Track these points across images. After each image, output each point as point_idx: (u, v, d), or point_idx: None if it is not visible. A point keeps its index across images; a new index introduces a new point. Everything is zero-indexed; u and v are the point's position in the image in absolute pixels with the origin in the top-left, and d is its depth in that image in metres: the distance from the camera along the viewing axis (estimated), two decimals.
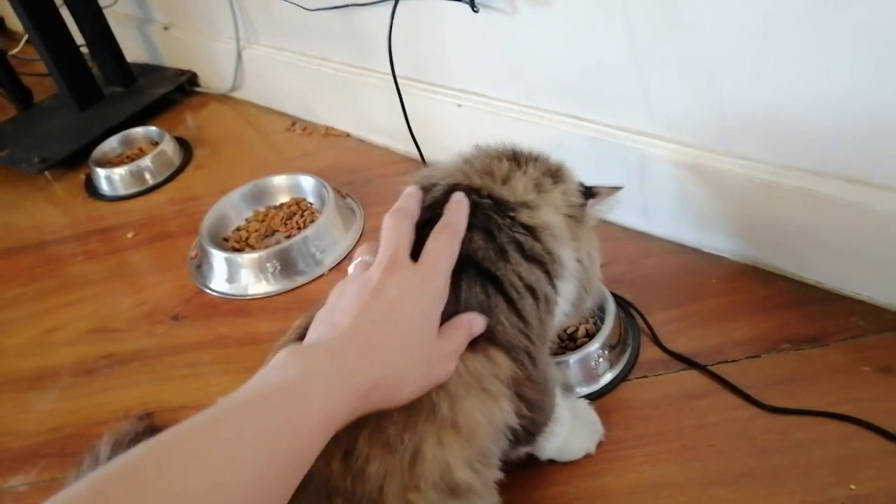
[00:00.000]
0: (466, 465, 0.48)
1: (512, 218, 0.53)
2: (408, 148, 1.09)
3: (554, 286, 0.55)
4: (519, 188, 0.56)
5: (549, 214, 0.56)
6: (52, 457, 0.76)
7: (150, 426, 0.74)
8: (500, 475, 0.52)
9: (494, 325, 0.50)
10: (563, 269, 0.56)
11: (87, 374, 0.86)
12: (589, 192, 0.61)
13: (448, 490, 0.47)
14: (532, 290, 0.52)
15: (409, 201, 0.53)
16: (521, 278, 0.51)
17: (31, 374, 0.88)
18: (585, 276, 0.60)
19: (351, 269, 0.53)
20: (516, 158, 0.59)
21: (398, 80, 0.96)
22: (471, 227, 0.51)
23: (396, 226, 0.51)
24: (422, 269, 0.48)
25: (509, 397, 0.50)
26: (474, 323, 0.49)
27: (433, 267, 0.48)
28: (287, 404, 0.39)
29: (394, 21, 0.86)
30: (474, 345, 0.49)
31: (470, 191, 0.54)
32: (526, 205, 0.55)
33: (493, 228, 0.52)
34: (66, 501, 0.33)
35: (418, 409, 0.46)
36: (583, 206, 0.59)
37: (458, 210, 0.52)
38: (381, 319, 0.45)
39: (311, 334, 0.48)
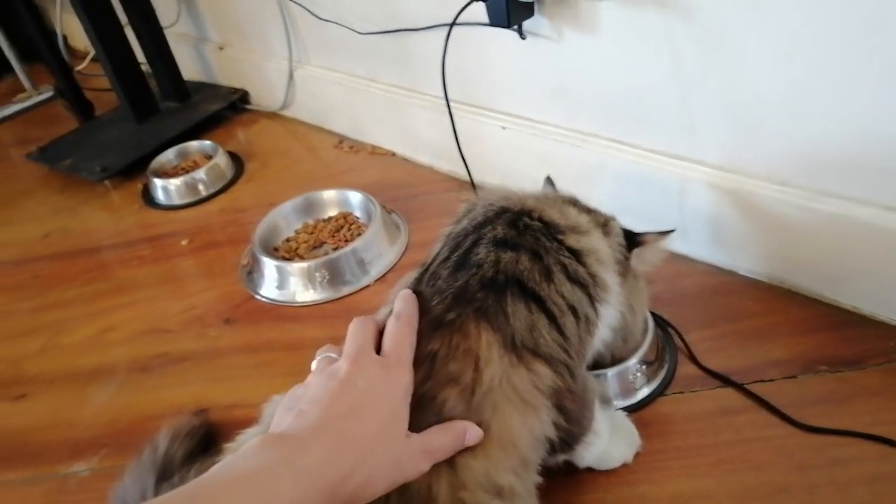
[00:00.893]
0: (510, 470, 0.50)
1: (560, 241, 0.56)
2: (451, 167, 1.13)
3: (595, 309, 0.57)
4: (571, 213, 0.60)
5: (597, 241, 0.59)
6: (111, 446, 0.80)
7: (204, 422, 0.77)
8: (539, 480, 0.55)
9: (537, 339, 0.52)
10: (606, 294, 0.58)
11: (142, 372, 0.91)
12: (634, 242, 0.64)
13: (494, 492, 0.49)
14: (574, 310, 0.55)
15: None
16: (563, 298, 0.54)
17: (89, 370, 0.92)
18: (625, 327, 0.64)
19: (314, 364, 0.53)
20: (575, 203, 0.63)
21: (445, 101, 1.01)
22: (519, 248, 0.55)
23: (362, 326, 0.53)
24: (388, 361, 0.49)
25: (549, 408, 0.53)
26: (469, 433, 0.48)
27: (398, 359, 0.49)
28: (258, 490, 0.40)
29: (447, 46, 0.90)
30: (518, 357, 0.51)
31: (522, 213, 0.58)
32: (574, 229, 0.58)
33: (540, 250, 0.55)
34: None
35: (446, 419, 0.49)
36: (626, 260, 0.63)
37: (406, 301, 0.53)
38: (351, 414, 0.46)
39: (279, 422, 0.48)
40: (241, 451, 0.44)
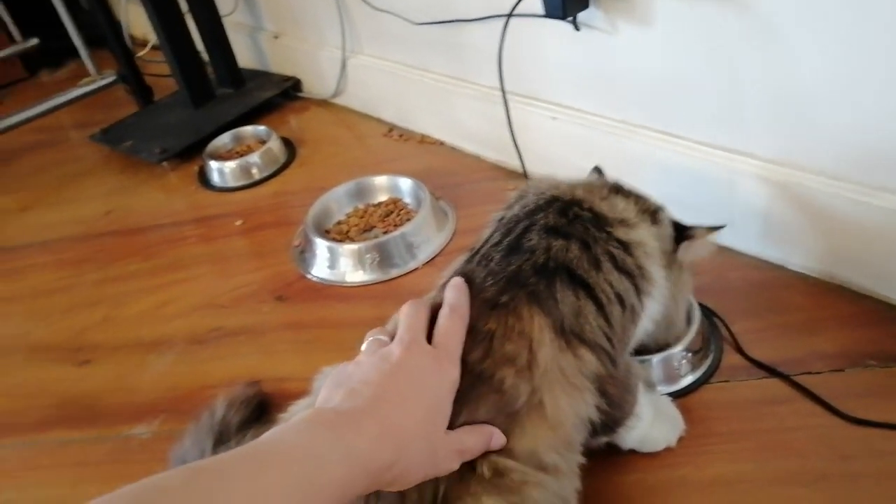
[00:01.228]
0: (553, 450, 0.52)
1: (608, 233, 0.58)
2: (499, 156, 1.15)
3: (640, 300, 0.59)
4: (619, 206, 0.61)
5: (645, 234, 0.60)
6: (169, 411, 0.85)
7: (258, 392, 0.81)
8: (582, 460, 0.56)
9: (583, 325, 0.54)
10: (652, 287, 0.60)
11: (198, 344, 0.95)
12: (682, 235, 0.64)
13: (538, 467, 0.51)
14: (620, 299, 0.56)
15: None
16: (611, 286, 0.56)
17: (149, 340, 0.97)
18: (668, 316, 0.64)
19: (364, 346, 0.54)
20: (619, 190, 0.63)
21: (496, 90, 1.02)
22: (569, 236, 0.56)
23: (415, 313, 0.53)
24: (439, 353, 0.50)
25: (592, 392, 0.55)
26: (495, 437, 0.50)
27: (448, 353, 0.50)
28: (308, 466, 0.41)
29: (504, 37, 0.91)
30: (567, 342, 0.53)
31: (572, 203, 0.59)
32: (623, 222, 0.59)
33: (589, 240, 0.56)
34: None
35: (506, 398, 0.51)
36: (674, 252, 0.63)
37: (459, 291, 0.54)
38: (400, 402, 0.47)
39: (328, 397, 0.48)
40: (293, 424, 0.44)
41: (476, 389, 0.51)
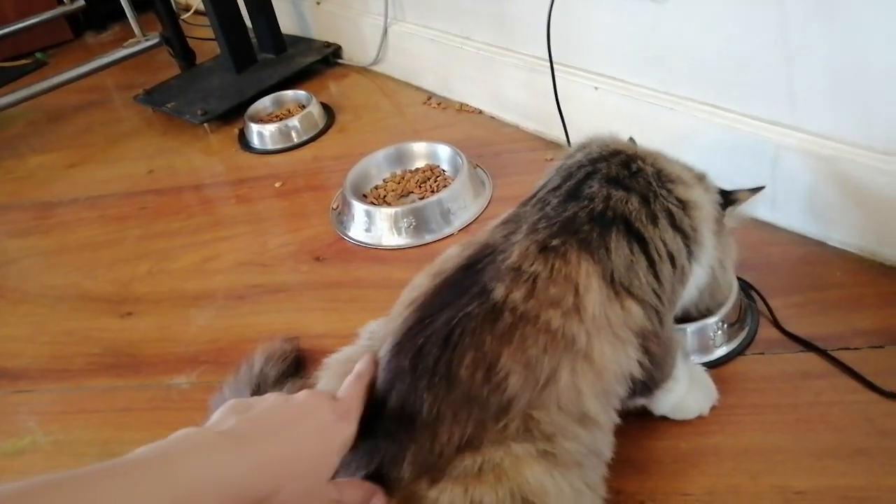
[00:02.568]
0: (596, 397, 0.53)
1: (669, 189, 0.58)
2: (538, 126, 1.15)
3: (690, 263, 0.59)
4: (677, 167, 0.61)
5: (701, 196, 0.61)
6: (209, 363, 0.87)
7: (295, 348, 0.83)
8: (618, 420, 0.57)
9: (632, 279, 0.54)
10: (701, 252, 0.60)
11: (239, 299, 0.97)
12: (728, 200, 0.65)
13: (577, 417, 0.52)
14: (672, 259, 0.57)
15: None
16: (665, 244, 0.56)
17: (192, 294, 1.00)
18: (714, 281, 0.64)
19: None
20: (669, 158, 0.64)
21: (539, 60, 1.02)
22: (630, 189, 0.57)
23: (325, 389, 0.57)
24: (340, 407, 0.52)
25: (636, 346, 0.55)
26: (375, 498, 0.51)
27: (348, 409, 0.52)
28: (178, 494, 0.40)
29: (552, 5, 0.91)
30: (615, 292, 0.54)
31: (635, 157, 0.59)
32: (683, 181, 0.60)
33: (649, 195, 0.57)
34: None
35: (558, 338, 0.51)
36: (721, 217, 0.64)
37: (368, 361, 0.56)
38: (291, 439, 0.48)
39: (223, 419, 0.48)
40: (172, 440, 0.44)
41: (519, 330, 0.51)
